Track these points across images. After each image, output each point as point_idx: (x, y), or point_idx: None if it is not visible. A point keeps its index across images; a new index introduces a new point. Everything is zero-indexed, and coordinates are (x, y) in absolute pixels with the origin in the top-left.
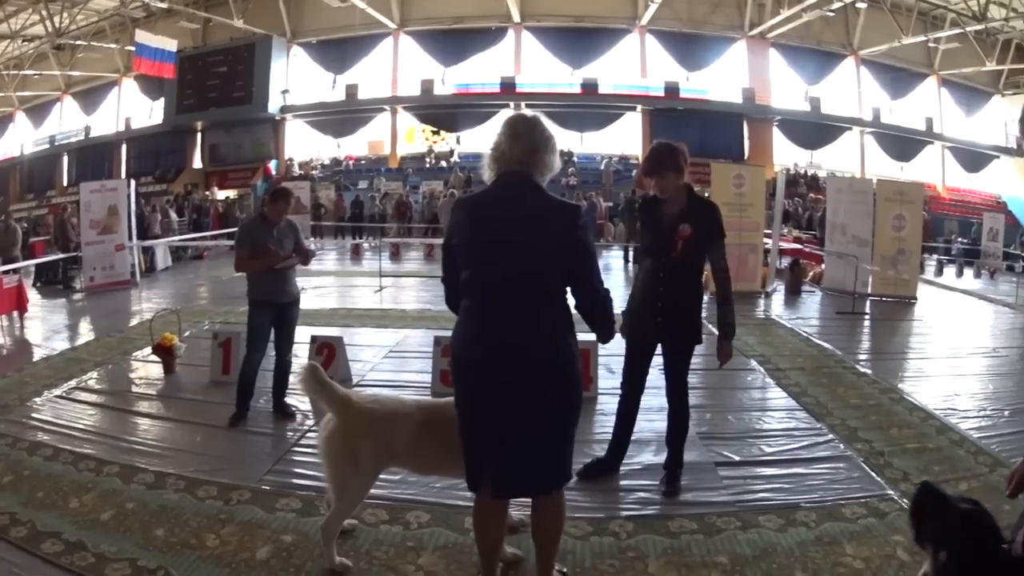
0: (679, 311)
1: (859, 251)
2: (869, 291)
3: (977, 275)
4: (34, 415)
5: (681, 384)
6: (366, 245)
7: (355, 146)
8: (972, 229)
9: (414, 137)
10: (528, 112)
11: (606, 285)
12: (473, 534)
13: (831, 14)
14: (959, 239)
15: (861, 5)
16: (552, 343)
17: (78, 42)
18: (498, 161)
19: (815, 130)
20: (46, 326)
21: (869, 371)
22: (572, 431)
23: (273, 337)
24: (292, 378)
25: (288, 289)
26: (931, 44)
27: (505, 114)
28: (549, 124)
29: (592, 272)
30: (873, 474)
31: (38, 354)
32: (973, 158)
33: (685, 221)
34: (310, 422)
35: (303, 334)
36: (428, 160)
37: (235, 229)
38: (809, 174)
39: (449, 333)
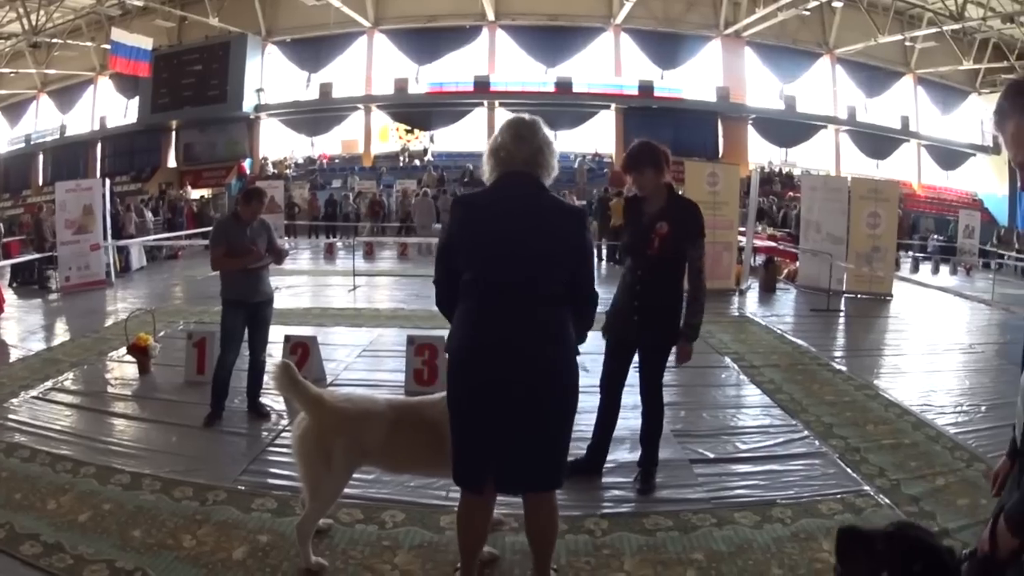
0: (657, 309)
1: (834, 248)
2: (844, 288)
3: (953, 272)
4: (11, 416)
5: (656, 382)
6: (340, 244)
7: (329, 145)
8: (949, 227)
9: (388, 136)
10: (527, 116)
11: None
12: (456, 531)
13: (807, 13)
14: (935, 236)
15: (837, 4)
16: (553, 342)
17: (54, 40)
18: (503, 162)
19: (790, 128)
20: (22, 327)
21: (844, 368)
22: (570, 429)
23: (247, 337)
24: (266, 377)
25: (261, 288)
26: (908, 43)
27: (480, 113)
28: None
29: (591, 273)
30: (849, 470)
31: (14, 355)
32: (949, 156)
33: (663, 219)
34: (284, 422)
35: (277, 334)
36: (402, 159)
37: (210, 228)
38: (784, 172)
39: (422, 332)
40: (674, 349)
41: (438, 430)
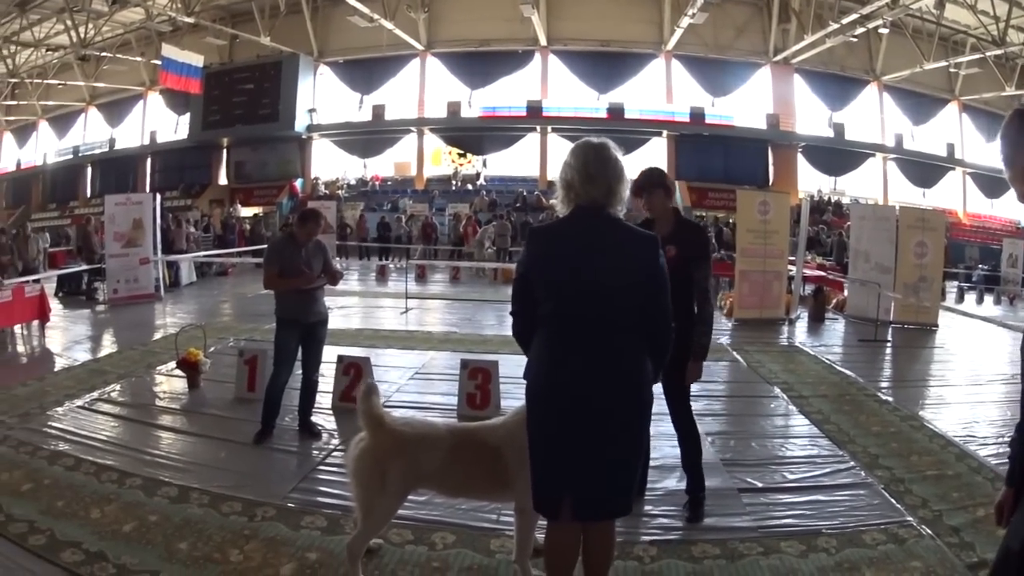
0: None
1: (882, 278)
2: (891, 318)
3: (997, 301)
4: (55, 424)
5: (683, 406)
6: (392, 266)
7: (382, 167)
8: (997, 256)
9: (440, 159)
10: (595, 139)
11: None
12: (544, 560)
13: (854, 39)
14: (980, 265)
15: (883, 31)
16: (633, 370)
17: (103, 54)
18: (577, 192)
19: (838, 156)
20: (67, 336)
21: (891, 399)
22: (640, 458)
23: (300, 356)
24: (319, 396)
25: (316, 308)
26: (952, 69)
27: (532, 138)
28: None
29: (667, 303)
30: (893, 501)
31: (59, 364)
32: (993, 184)
33: (671, 243)
34: (336, 441)
35: (330, 354)
36: (454, 183)
37: (263, 247)
38: (833, 200)
39: (475, 356)
40: (724, 377)
41: (498, 456)
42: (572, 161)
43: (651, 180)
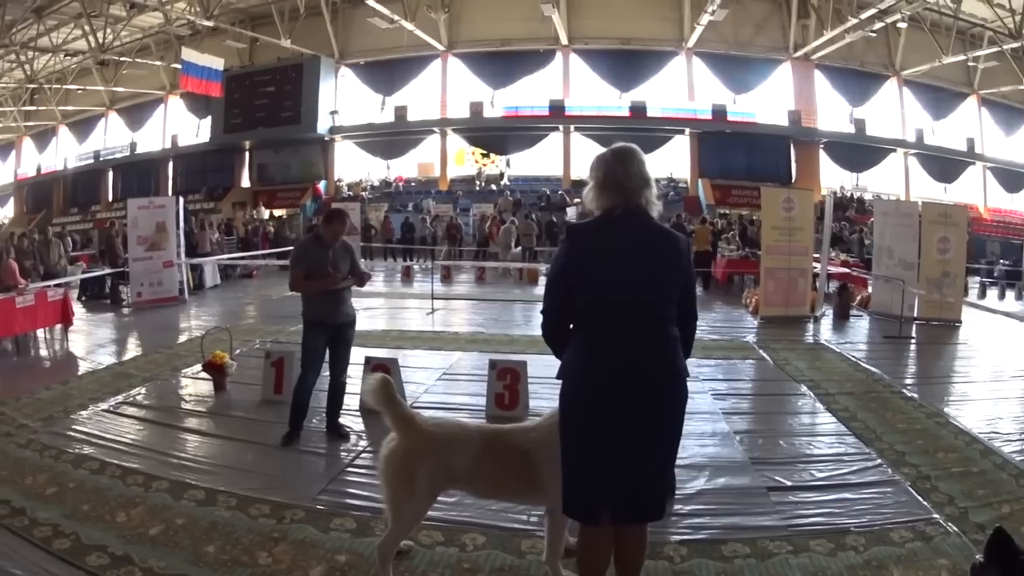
0: None
1: (905, 275)
2: (915, 315)
3: (1019, 297)
4: (79, 428)
5: None
6: (417, 267)
7: (405, 168)
8: (1018, 251)
9: (464, 160)
10: (622, 152)
11: None
12: (578, 563)
13: (873, 34)
14: (1001, 260)
15: (901, 25)
16: (671, 367)
17: (122, 58)
18: (613, 192)
19: (860, 152)
20: (91, 340)
21: (916, 395)
22: (675, 459)
23: (328, 358)
24: (347, 398)
25: (343, 310)
26: (970, 63)
27: (555, 137)
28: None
29: (695, 296)
30: (920, 498)
31: (83, 367)
32: (1013, 178)
33: None
34: (364, 443)
35: (357, 355)
36: (478, 183)
37: (288, 249)
38: (855, 197)
39: (504, 356)
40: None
41: (529, 459)
42: (609, 160)
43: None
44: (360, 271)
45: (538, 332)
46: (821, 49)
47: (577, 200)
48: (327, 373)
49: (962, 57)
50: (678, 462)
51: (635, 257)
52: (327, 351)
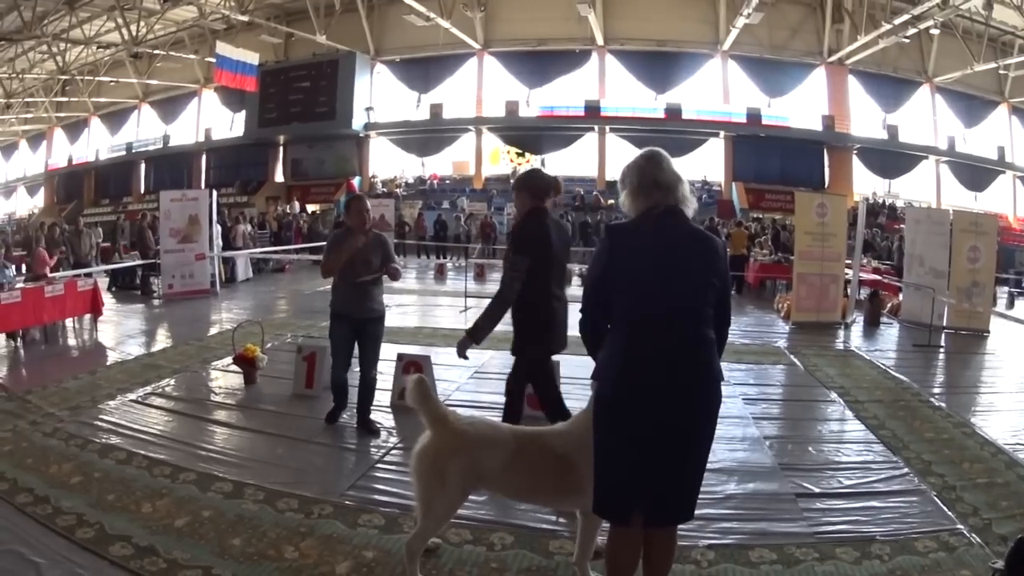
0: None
1: (936, 283)
2: (945, 324)
3: None
4: (106, 418)
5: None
6: (450, 265)
7: (440, 165)
8: None
9: (499, 158)
10: (654, 156)
11: None
12: (605, 563)
13: (906, 40)
14: None
15: (934, 31)
16: (707, 369)
17: (156, 51)
18: (651, 191)
19: (892, 159)
20: (120, 331)
21: (943, 404)
22: (707, 459)
23: (357, 353)
24: (378, 393)
25: (368, 304)
26: (1002, 71)
27: (591, 138)
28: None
29: (729, 300)
30: (945, 508)
31: (112, 358)
32: None
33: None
34: (394, 439)
35: (389, 351)
36: (512, 182)
37: (321, 244)
38: (888, 203)
39: None
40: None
41: (564, 462)
42: (644, 161)
43: (517, 183)
44: (392, 265)
45: (570, 332)
46: (855, 54)
47: (611, 201)
48: (358, 369)
49: (993, 65)
50: (708, 466)
51: (673, 259)
52: (355, 345)
